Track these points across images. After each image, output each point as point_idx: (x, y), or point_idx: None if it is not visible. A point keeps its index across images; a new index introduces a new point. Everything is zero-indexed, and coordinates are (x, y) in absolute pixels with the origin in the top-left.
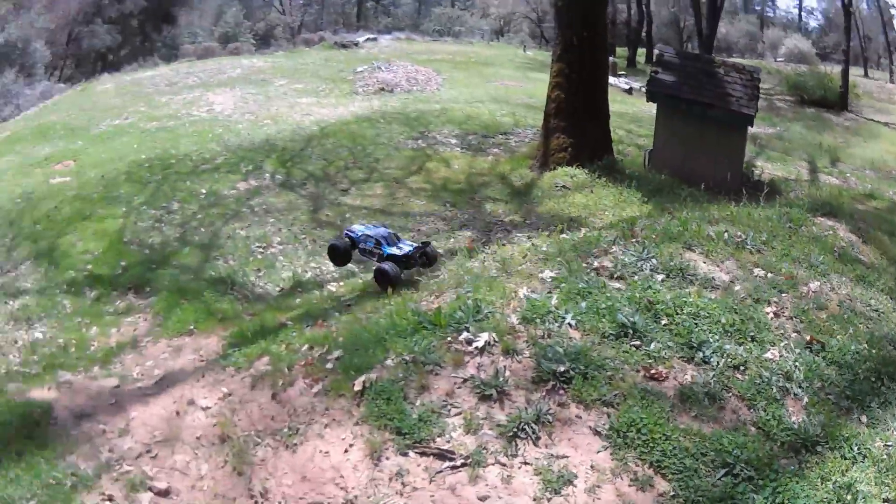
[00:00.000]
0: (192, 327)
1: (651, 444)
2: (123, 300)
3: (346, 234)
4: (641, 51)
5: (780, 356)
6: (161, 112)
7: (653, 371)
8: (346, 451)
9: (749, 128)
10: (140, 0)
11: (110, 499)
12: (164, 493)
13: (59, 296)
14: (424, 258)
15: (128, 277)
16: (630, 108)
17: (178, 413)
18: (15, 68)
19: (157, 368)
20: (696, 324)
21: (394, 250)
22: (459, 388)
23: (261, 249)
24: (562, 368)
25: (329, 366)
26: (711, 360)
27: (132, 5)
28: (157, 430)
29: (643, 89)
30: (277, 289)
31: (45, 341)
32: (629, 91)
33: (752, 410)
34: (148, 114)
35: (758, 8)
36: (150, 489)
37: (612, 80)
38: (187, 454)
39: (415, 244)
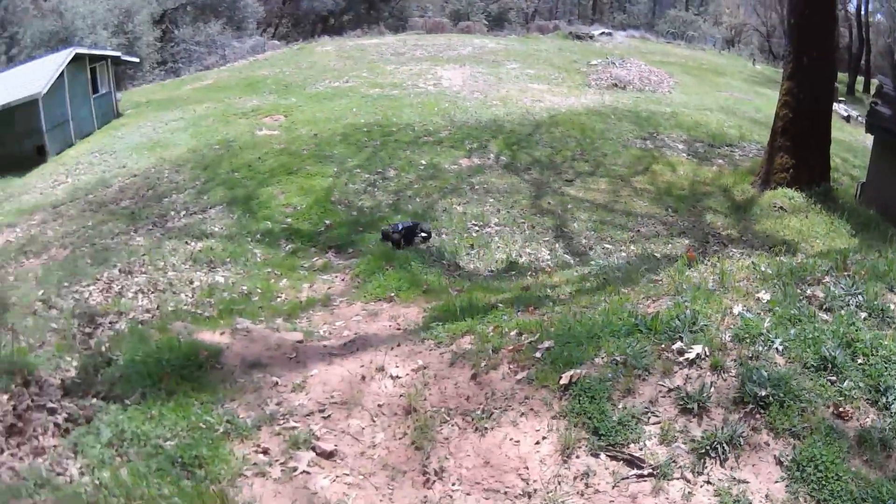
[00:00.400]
0: (392, 294)
1: (823, 482)
2: (322, 257)
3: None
4: (860, 79)
5: None
6: (385, 80)
7: (841, 409)
8: (537, 442)
9: None
10: None
11: (265, 452)
12: (328, 455)
13: (249, 244)
14: (422, 233)
15: (331, 236)
16: (847, 136)
17: (363, 378)
18: (222, 20)
19: (348, 330)
20: (886, 368)
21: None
22: (663, 397)
23: (477, 227)
24: (763, 393)
25: (537, 355)
26: (892, 406)
27: None
28: (336, 391)
29: (860, 119)
30: (489, 269)
31: (225, 286)
32: (847, 119)
33: None
34: (370, 80)
35: None
36: (314, 449)
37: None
38: (364, 420)
39: (410, 224)
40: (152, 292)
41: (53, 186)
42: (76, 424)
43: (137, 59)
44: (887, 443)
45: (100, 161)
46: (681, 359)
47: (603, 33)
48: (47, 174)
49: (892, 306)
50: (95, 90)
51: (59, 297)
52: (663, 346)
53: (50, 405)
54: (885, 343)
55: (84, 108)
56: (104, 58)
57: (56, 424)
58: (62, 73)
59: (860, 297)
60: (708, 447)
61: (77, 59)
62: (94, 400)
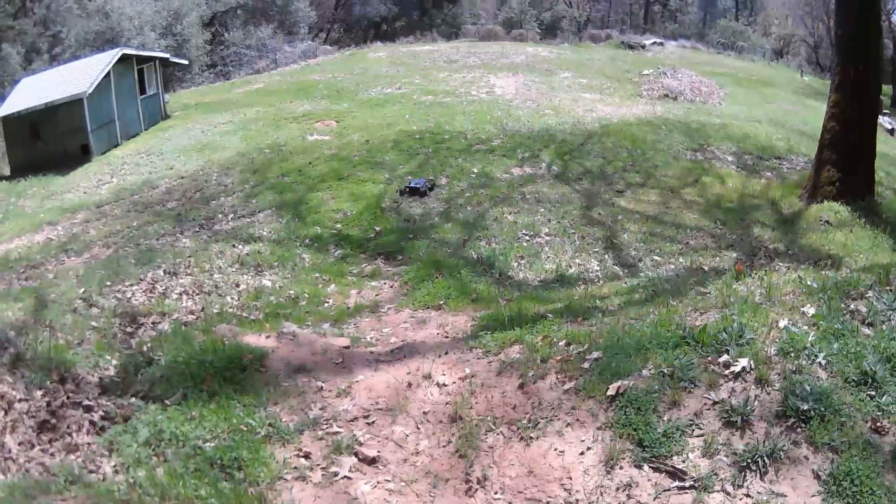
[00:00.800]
0: (441, 302)
1: (858, 497)
2: (371, 264)
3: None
4: None
5: None
6: (438, 87)
7: (878, 423)
8: (581, 453)
9: None
10: None
11: (307, 456)
12: (371, 461)
13: (298, 248)
14: (428, 189)
15: (380, 243)
16: (891, 149)
17: (409, 385)
18: (273, 24)
19: (395, 337)
20: None
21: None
22: (708, 409)
23: (527, 237)
24: (805, 407)
25: (586, 365)
26: None
27: None
28: (382, 397)
29: None
30: (538, 279)
31: (272, 290)
32: (891, 132)
33: None
34: (423, 87)
35: None
36: (356, 454)
37: None
38: (408, 427)
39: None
40: (197, 294)
41: (97, 186)
42: (113, 423)
43: (186, 62)
44: None
45: (146, 162)
46: (726, 372)
47: (654, 43)
48: (91, 173)
49: None
50: (143, 91)
51: (100, 295)
52: (710, 358)
53: (86, 403)
54: None
55: (131, 109)
56: (152, 59)
57: (91, 422)
58: (108, 73)
59: None
60: (749, 460)
61: (124, 59)
62: (133, 399)
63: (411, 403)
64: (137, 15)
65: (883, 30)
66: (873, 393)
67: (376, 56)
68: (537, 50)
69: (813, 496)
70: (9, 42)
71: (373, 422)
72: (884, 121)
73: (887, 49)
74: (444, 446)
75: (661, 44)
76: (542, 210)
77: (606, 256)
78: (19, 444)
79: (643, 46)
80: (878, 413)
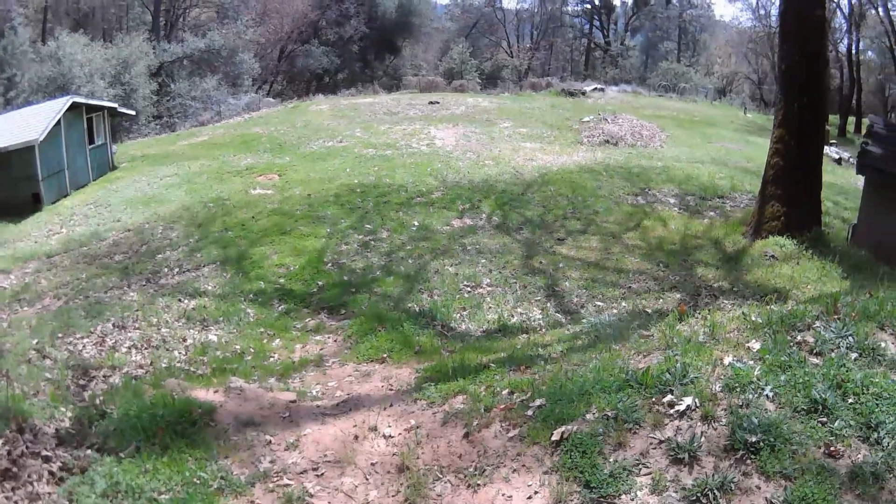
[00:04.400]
0: (385, 355)
1: None
2: (315, 318)
3: None
4: (851, 119)
5: None
6: (379, 140)
7: (832, 448)
8: (529, 497)
9: None
10: (361, 27)
11: None
12: None
13: (242, 303)
14: None
15: (323, 297)
16: (838, 178)
17: (356, 437)
18: (218, 75)
19: (340, 390)
20: (877, 404)
21: None
22: (654, 448)
23: (469, 288)
24: (753, 439)
25: (529, 413)
26: (884, 440)
27: (352, 30)
28: (330, 450)
29: (852, 160)
30: (481, 330)
31: (218, 344)
32: (838, 161)
33: None
34: (364, 140)
35: None
36: None
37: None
38: (357, 478)
39: None
40: (146, 348)
41: (48, 236)
42: (71, 474)
43: (134, 112)
44: (879, 475)
45: (94, 213)
46: (671, 411)
47: (595, 89)
48: (42, 223)
49: (883, 344)
50: (91, 141)
51: (53, 347)
52: (654, 399)
53: (45, 453)
54: (876, 381)
55: (80, 159)
56: (101, 108)
57: (51, 472)
58: (59, 122)
59: (850, 338)
60: (699, 494)
61: (74, 107)
62: (89, 451)
63: (359, 455)
64: (88, 62)
65: (830, 59)
66: (825, 419)
67: (318, 109)
68: (478, 100)
69: None
70: None
71: (322, 474)
72: (830, 151)
73: (835, 78)
74: (392, 496)
75: (602, 90)
76: (483, 261)
77: (548, 304)
78: None
79: (584, 93)
80: (832, 438)
